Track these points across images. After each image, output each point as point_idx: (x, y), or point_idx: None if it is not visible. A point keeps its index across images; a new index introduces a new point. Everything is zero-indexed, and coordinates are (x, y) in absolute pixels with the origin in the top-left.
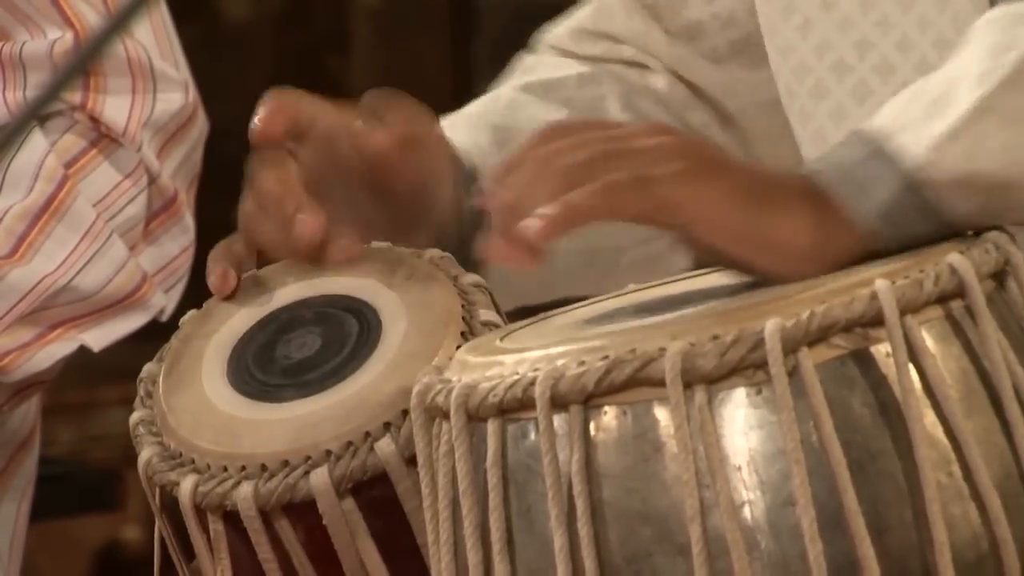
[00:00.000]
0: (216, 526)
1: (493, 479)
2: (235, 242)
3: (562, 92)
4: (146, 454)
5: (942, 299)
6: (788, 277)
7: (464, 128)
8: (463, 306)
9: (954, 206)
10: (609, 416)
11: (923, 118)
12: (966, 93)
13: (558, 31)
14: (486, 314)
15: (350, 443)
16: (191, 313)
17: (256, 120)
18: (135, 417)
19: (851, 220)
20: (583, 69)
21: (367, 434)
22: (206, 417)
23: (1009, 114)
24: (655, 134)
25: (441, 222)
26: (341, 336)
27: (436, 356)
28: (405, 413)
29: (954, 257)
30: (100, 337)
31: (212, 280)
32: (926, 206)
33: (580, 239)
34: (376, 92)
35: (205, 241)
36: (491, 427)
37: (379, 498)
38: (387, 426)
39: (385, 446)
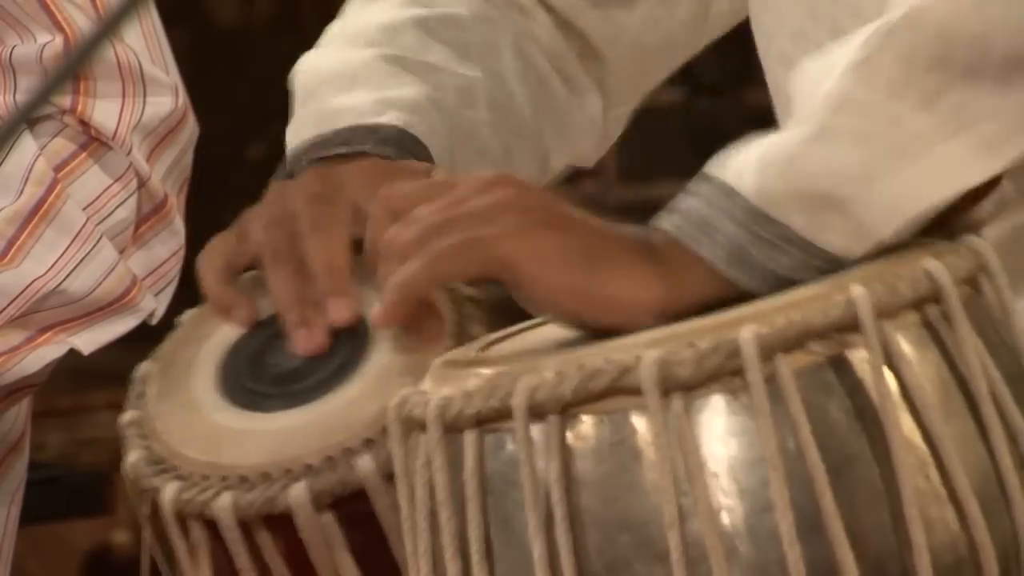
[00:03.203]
0: (197, 534)
1: (471, 489)
2: (236, 254)
3: (462, 34)
4: (132, 457)
5: (918, 304)
6: (625, 325)
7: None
8: (455, 320)
9: (808, 230)
10: (587, 425)
11: (746, 152)
12: (792, 126)
13: None
14: (478, 330)
15: (330, 458)
16: (188, 313)
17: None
18: (126, 417)
19: (705, 263)
20: (476, 8)
21: (348, 450)
22: (192, 424)
23: (828, 131)
24: (489, 190)
25: None
26: (331, 347)
27: (423, 372)
28: (387, 430)
29: (930, 262)
30: (90, 340)
31: (241, 317)
32: (776, 236)
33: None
34: None
35: (195, 244)
36: (469, 438)
37: (358, 513)
38: (368, 443)
39: (365, 463)
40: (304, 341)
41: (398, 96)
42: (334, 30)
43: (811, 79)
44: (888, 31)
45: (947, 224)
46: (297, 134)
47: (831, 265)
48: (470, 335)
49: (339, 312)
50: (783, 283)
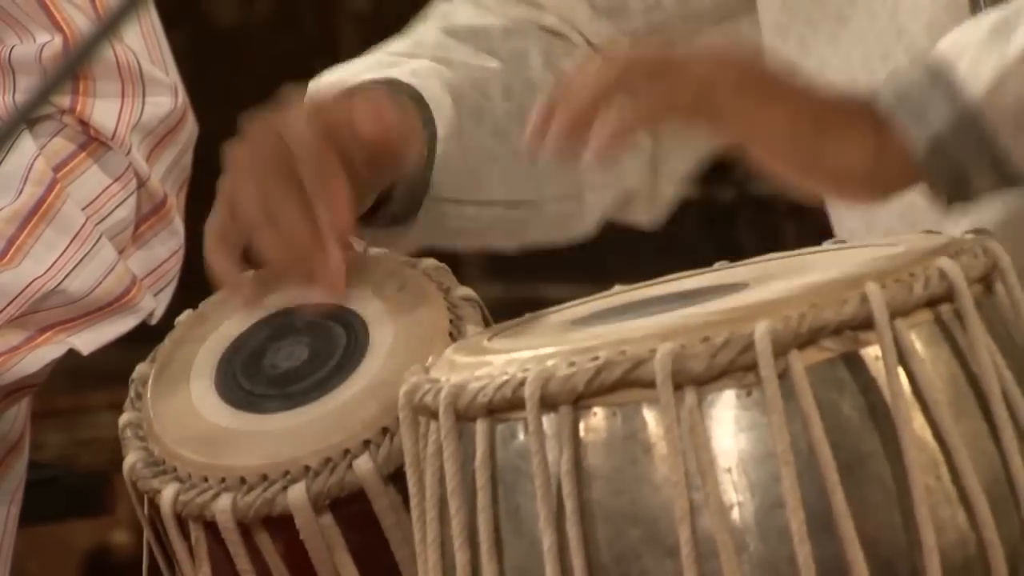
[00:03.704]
0: (197, 535)
1: (481, 479)
2: (229, 233)
3: (487, 41)
4: (131, 459)
5: (931, 303)
6: (840, 199)
7: (416, 78)
8: (451, 321)
9: (1009, 142)
10: (599, 417)
11: (985, 46)
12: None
13: None
14: (473, 330)
15: (329, 459)
16: (186, 314)
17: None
18: (124, 419)
19: (906, 146)
20: (506, 22)
21: (346, 451)
22: (190, 425)
23: None
24: (713, 57)
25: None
26: (328, 348)
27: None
28: (385, 431)
29: (943, 261)
30: (89, 340)
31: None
32: (981, 139)
33: (505, 189)
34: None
35: (195, 244)
36: (480, 427)
37: (357, 514)
38: (367, 444)
39: (363, 464)
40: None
41: (402, 70)
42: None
43: None
44: None
45: None
46: None
47: (1010, 185)
48: (464, 336)
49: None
50: (966, 188)
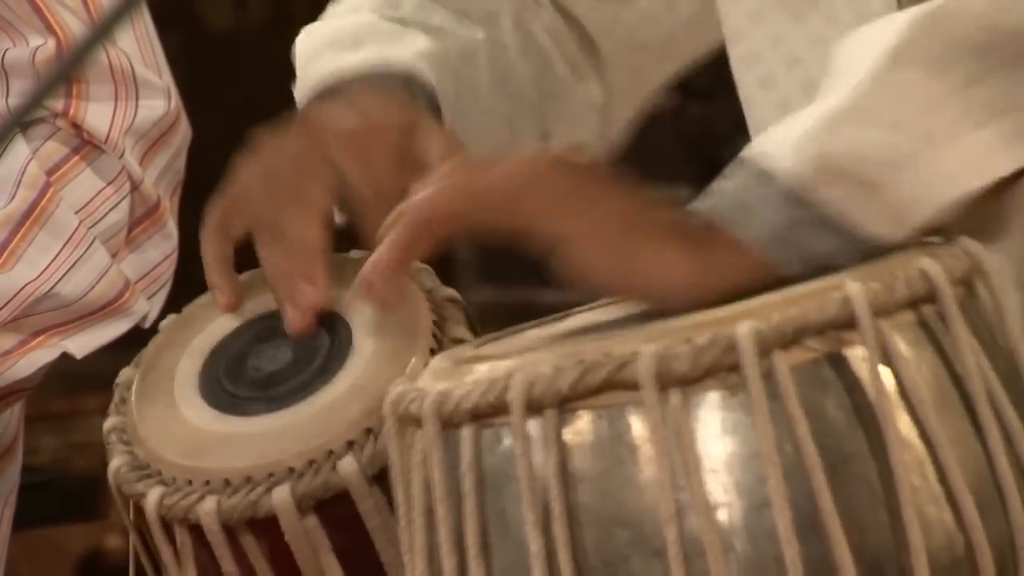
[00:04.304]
0: (182, 538)
1: (468, 485)
2: (224, 238)
3: (466, 3)
4: (115, 463)
5: (914, 303)
6: (666, 308)
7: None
8: (435, 322)
9: (845, 213)
10: (584, 420)
11: (788, 132)
12: (825, 101)
13: None
14: (457, 330)
15: (312, 461)
16: (170, 318)
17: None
18: (108, 424)
19: (743, 246)
20: None
21: (330, 452)
22: (174, 429)
23: (864, 112)
24: (526, 163)
25: None
26: (311, 350)
27: (404, 374)
28: (369, 432)
29: (925, 262)
30: (83, 344)
31: (221, 302)
32: (814, 219)
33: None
34: None
35: (188, 248)
36: (465, 433)
37: (342, 515)
38: (350, 445)
39: (348, 465)
40: (291, 320)
41: (403, 51)
42: (335, 6)
43: (848, 55)
44: (932, 15)
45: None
46: (303, 96)
47: (867, 250)
48: (450, 337)
49: (304, 296)
50: (824, 270)
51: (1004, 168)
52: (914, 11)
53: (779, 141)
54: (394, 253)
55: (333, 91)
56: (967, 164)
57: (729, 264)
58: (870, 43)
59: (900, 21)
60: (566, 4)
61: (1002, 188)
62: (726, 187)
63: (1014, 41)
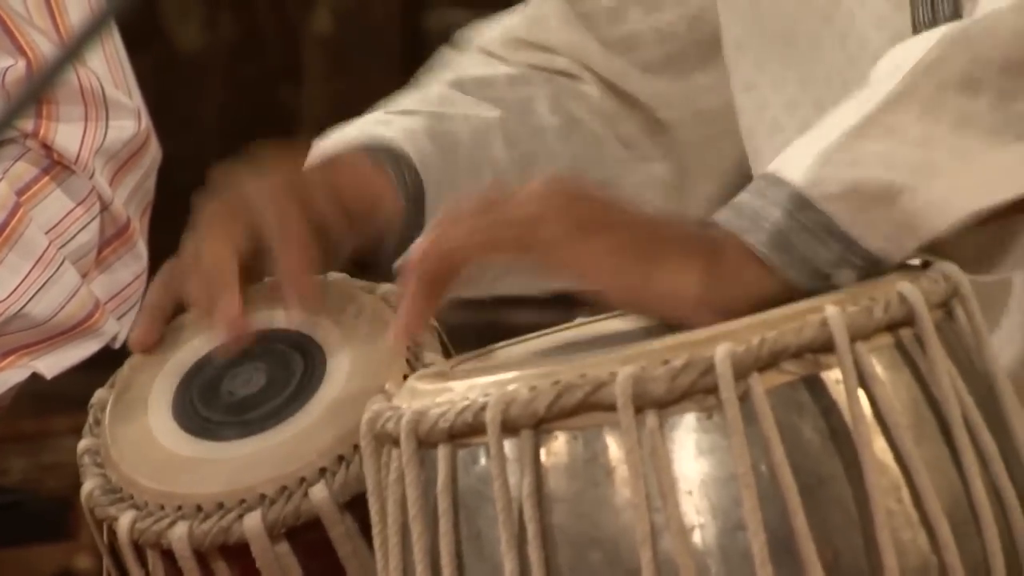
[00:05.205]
0: (154, 562)
1: (443, 504)
2: (170, 283)
3: (493, 91)
4: (88, 486)
5: (892, 327)
6: (684, 325)
7: (404, 134)
8: (409, 348)
9: (851, 223)
10: (560, 441)
11: (808, 144)
12: (849, 115)
13: (490, 35)
14: (431, 356)
15: (284, 488)
16: None
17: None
18: (82, 445)
19: (752, 255)
20: (513, 70)
21: (302, 479)
22: (147, 452)
23: (888, 127)
24: (538, 194)
25: (386, 227)
26: (286, 374)
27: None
28: (341, 459)
29: (904, 286)
30: (53, 364)
31: (133, 337)
32: (819, 225)
33: None
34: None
35: (158, 268)
36: (441, 452)
37: (313, 542)
38: (323, 471)
39: (319, 492)
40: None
41: (392, 128)
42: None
43: (879, 71)
44: (964, 31)
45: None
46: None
47: (868, 266)
48: (424, 363)
49: (226, 312)
50: (826, 280)
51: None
52: (945, 29)
53: (797, 152)
54: (423, 289)
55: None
56: (992, 180)
57: (744, 275)
58: (901, 59)
59: (932, 38)
60: (618, 83)
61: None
62: (742, 197)
63: None
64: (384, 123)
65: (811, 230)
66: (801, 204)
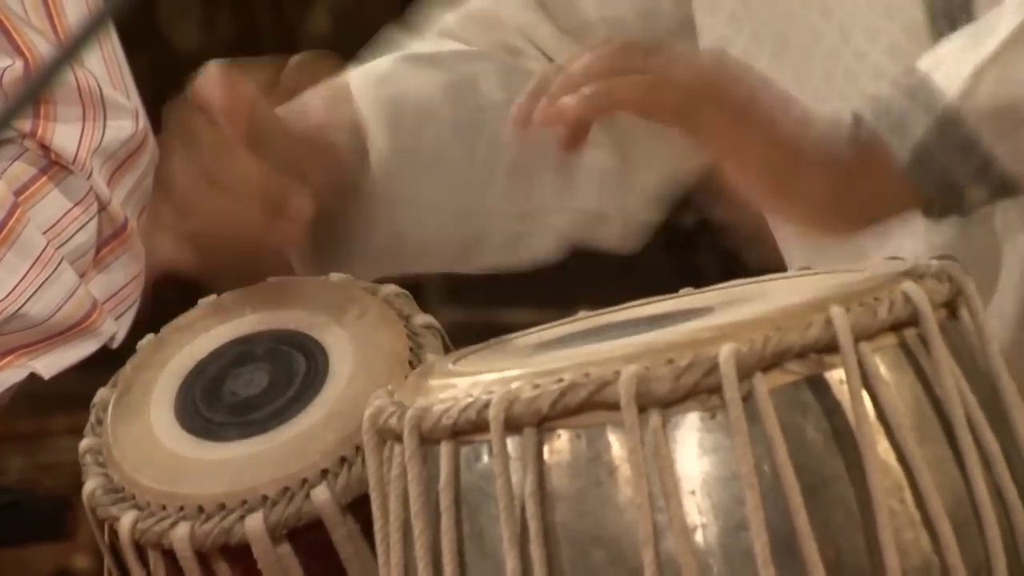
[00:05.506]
0: (155, 563)
1: (446, 501)
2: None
3: (441, 64)
4: (90, 485)
5: (896, 327)
6: (811, 227)
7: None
8: (411, 349)
9: (994, 143)
10: (563, 439)
11: (960, 52)
12: (1004, 23)
13: (447, 18)
14: (433, 358)
15: (287, 489)
16: (148, 339)
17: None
18: (84, 444)
19: (889, 164)
20: (462, 47)
21: (304, 481)
22: (149, 453)
23: None
24: (699, 69)
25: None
26: (288, 375)
27: None
28: (343, 461)
29: (908, 286)
30: (51, 364)
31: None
32: (964, 142)
33: (458, 196)
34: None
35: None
36: (444, 449)
37: (315, 543)
38: (324, 473)
39: (321, 494)
40: None
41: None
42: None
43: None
44: None
45: None
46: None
47: (1000, 187)
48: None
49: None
50: (958, 198)
51: None
52: None
53: (948, 56)
54: (582, 104)
55: None
56: None
57: (878, 184)
58: None
59: None
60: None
61: None
62: (890, 93)
63: None
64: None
65: (955, 145)
66: (950, 117)
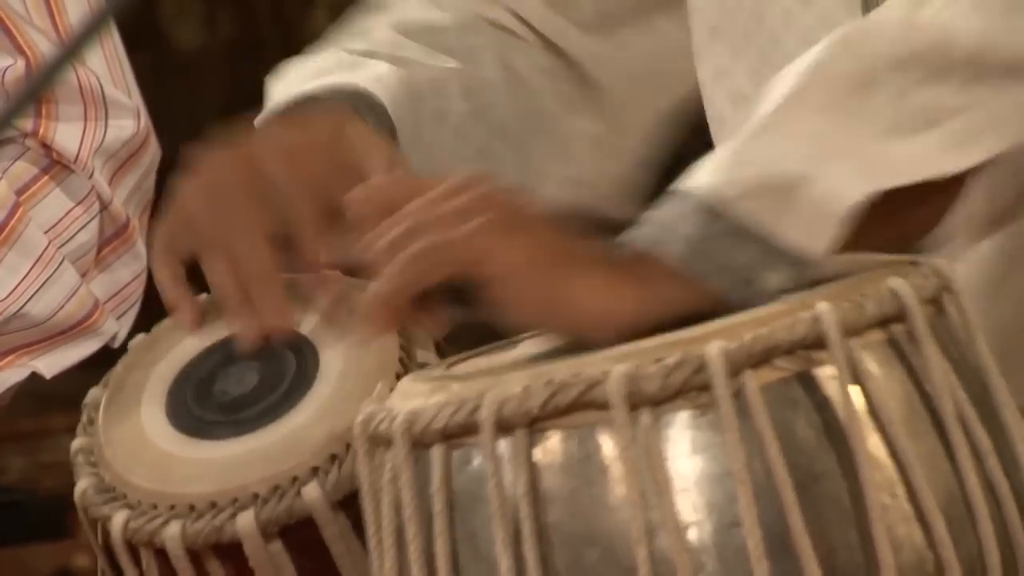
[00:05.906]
0: (148, 561)
1: (438, 505)
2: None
3: (441, 38)
4: (82, 485)
5: (883, 323)
6: (593, 340)
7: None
8: (401, 346)
9: (759, 221)
10: (554, 439)
11: (708, 159)
12: (746, 125)
13: None
14: (423, 355)
15: (277, 487)
16: (139, 338)
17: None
18: (76, 444)
19: (667, 266)
20: (455, 17)
21: (295, 478)
22: (140, 452)
23: (780, 127)
24: (462, 192)
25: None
26: (278, 373)
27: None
28: (334, 458)
29: (895, 281)
30: (52, 364)
31: (186, 323)
32: (731, 229)
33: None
34: None
35: None
36: (436, 453)
37: (306, 541)
38: (315, 470)
39: (312, 491)
40: (243, 342)
41: (358, 76)
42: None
43: (775, 83)
44: (855, 31)
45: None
46: (258, 122)
47: (793, 267)
48: (417, 362)
49: (262, 318)
50: (751, 285)
51: (932, 172)
52: (841, 29)
53: (700, 167)
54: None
55: (282, 115)
56: (890, 166)
57: (662, 288)
58: (798, 64)
59: (820, 43)
60: (556, 42)
61: (939, 199)
62: (649, 214)
63: (933, 55)
64: (351, 67)
65: (724, 234)
66: (709, 210)
